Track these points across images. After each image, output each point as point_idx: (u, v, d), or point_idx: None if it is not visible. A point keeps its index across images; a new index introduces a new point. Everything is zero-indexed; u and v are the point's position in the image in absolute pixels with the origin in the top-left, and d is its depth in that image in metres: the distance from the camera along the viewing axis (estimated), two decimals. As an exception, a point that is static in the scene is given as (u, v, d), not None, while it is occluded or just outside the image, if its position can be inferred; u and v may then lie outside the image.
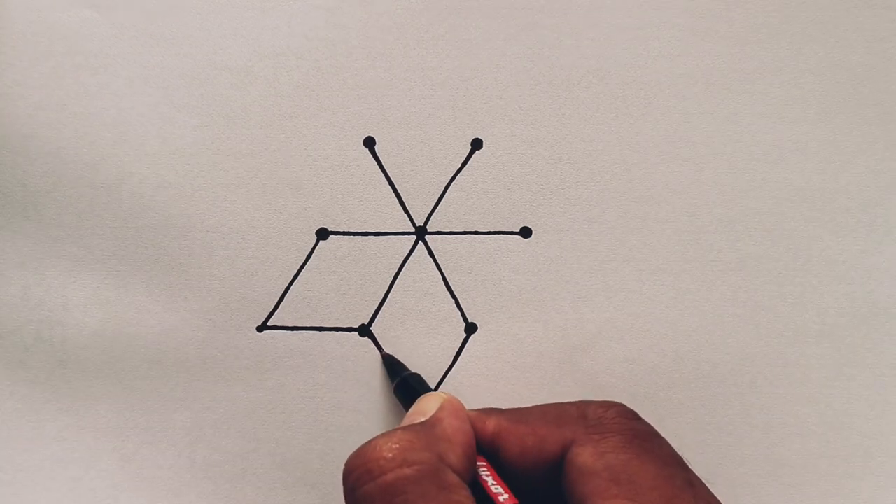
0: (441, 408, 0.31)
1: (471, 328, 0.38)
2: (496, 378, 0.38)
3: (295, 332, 0.38)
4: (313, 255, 0.38)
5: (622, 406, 0.31)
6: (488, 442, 0.31)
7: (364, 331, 0.38)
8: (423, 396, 0.33)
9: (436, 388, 0.38)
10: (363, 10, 0.38)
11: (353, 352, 0.38)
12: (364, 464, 0.28)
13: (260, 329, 0.38)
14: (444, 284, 0.38)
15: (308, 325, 0.38)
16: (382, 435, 0.29)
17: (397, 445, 0.28)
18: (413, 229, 0.38)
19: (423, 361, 0.38)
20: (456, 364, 0.38)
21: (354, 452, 0.29)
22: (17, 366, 0.38)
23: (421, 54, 0.38)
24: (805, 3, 0.38)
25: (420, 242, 0.38)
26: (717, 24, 0.38)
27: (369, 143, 0.38)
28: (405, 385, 0.36)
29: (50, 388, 0.38)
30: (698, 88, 0.38)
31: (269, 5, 0.38)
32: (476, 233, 0.38)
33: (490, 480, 0.30)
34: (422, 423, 0.30)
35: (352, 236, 0.38)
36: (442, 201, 0.38)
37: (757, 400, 0.38)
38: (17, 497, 0.38)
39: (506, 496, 0.30)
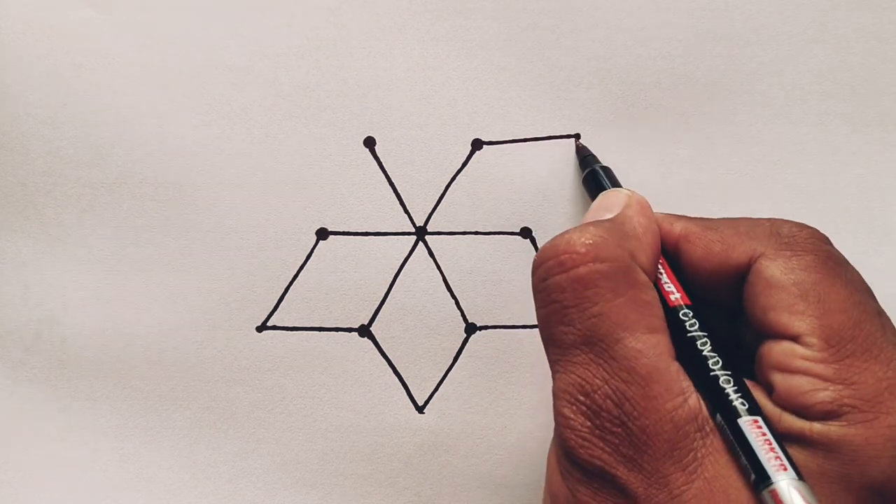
0: (628, 205, 0.31)
1: (471, 328, 0.38)
2: (496, 378, 0.38)
3: (294, 332, 0.38)
4: (313, 255, 0.38)
5: (816, 229, 0.30)
6: (672, 244, 0.31)
7: (364, 331, 0.38)
8: (608, 192, 0.34)
9: (435, 390, 0.38)
10: (364, 10, 0.38)
11: (352, 352, 0.38)
12: (556, 255, 0.29)
13: (259, 329, 0.38)
14: (444, 284, 0.38)
15: (308, 326, 0.38)
16: (574, 229, 0.29)
17: (590, 241, 0.29)
18: (413, 229, 0.38)
19: (422, 361, 0.38)
20: (456, 364, 0.38)
21: (547, 244, 0.29)
22: (17, 366, 0.38)
23: (421, 54, 0.38)
24: (805, 4, 0.38)
25: (420, 242, 0.38)
26: (717, 25, 0.38)
27: (369, 143, 0.38)
28: (594, 177, 0.36)
29: (50, 388, 0.38)
30: (698, 89, 0.38)
31: (269, 5, 0.38)
32: (476, 233, 0.38)
33: (664, 278, 0.31)
34: (611, 220, 0.31)
35: (352, 236, 0.38)
36: (442, 201, 0.38)
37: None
38: (17, 497, 0.38)
39: (678, 295, 0.30)
